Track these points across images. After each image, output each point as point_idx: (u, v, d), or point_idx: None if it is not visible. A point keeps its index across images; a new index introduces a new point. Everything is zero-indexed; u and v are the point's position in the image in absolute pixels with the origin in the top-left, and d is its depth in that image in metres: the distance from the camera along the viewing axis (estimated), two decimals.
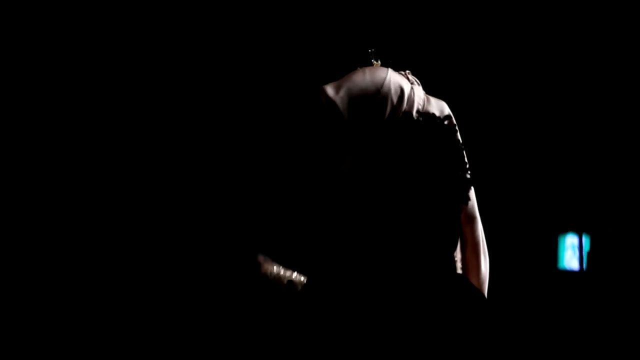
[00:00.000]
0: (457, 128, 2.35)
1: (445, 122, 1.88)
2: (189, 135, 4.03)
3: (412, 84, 2.35)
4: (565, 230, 4.33)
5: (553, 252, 4.32)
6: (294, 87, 4.01)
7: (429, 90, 2.41)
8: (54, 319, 3.78)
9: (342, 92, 2.27)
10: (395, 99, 2.27)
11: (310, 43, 4.04)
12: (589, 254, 4.23)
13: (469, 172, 2.09)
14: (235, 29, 4.04)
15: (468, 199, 1.85)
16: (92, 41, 3.91)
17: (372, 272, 1.76)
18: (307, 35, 4.04)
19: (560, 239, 4.33)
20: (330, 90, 2.29)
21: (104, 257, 3.88)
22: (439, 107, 2.34)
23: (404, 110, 2.28)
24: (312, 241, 2.51)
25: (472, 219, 2.40)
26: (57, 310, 3.79)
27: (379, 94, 2.26)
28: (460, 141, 2.28)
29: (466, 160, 2.34)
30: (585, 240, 4.25)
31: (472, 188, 2.34)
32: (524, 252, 4.29)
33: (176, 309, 3.88)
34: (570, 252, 4.30)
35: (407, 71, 2.40)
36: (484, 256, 2.38)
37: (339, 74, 2.36)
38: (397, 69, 2.38)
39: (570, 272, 4.29)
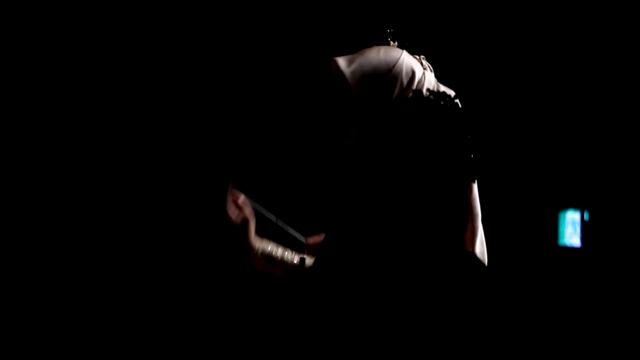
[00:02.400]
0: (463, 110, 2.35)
1: (454, 102, 1.89)
2: (190, 117, 4.03)
3: (424, 69, 2.36)
4: (566, 207, 4.34)
5: (554, 228, 4.33)
6: (308, 63, 4.01)
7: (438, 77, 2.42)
8: (54, 319, 3.78)
9: (353, 67, 2.27)
10: (405, 81, 2.27)
11: (331, 18, 4.04)
12: (588, 229, 4.24)
13: (476, 152, 2.09)
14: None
15: (476, 177, 1.85)
16: (92, 41, 3.90)
17: (380, 249, 1.76)
18: (327, 10, 4.04)
19: (561, 216, 4.33)
20: (342, 63, 2.29)
21: (103, 256, 3.88)
22: None
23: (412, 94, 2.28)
24: (319, 218, 2.51)
25: (475, 214, 2.40)
26: (57, 310, 3.79)
27: (389, 73, 2.26)
28: (469, 121, 2.29)
29: (473, 140, 2.34)
30: (586, 216, 4.26)
31: (476, 187, 2.34)
32: (525, 229, 4.29)
33: (176, 307, 3.89)
34: (571, 229, 4.30)
35: (422, 56, 2.40)
36: (482, 246, 2.38)
37: (356, 49, 2.37)
38: (413, 53, 2.39)
39: (571, 249, 4.30)
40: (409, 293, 1.72)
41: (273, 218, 2.54)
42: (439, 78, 2.38)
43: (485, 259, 2.34)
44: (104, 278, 3.85)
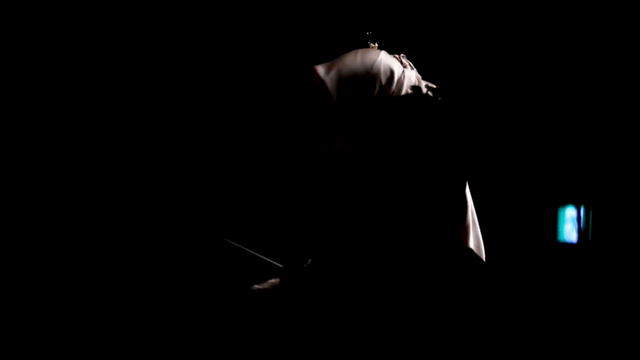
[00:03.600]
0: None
1: (438, 97, 1.88)
2: (183, 123, 4.03)
3: (404, 67, 2.37)
4: (565, 203, 4.33)
5: (553, 224, 4.32)
6: (293, 68, 4.02)
7: (423, 75, 2.43)
8: (54, 318, 3.78)
9: (332, 73, 2.31)
10: (384, 80, 2.30)
11: (311, 23, 4.04)
12: (588, 225, 4.23)
13: (469, 147, 2.09)
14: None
15: (473, 172, 1.85)
16: (92, 41, 3.91)
17: (378, 248, 1.76)
18: (308, 14, 4.04)
19: (560, 212, 4.33)
20: (321, 70, 2.33)
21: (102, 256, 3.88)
22: None
23: (393, 92, 2.30)
24: (316, 221, 2.52)
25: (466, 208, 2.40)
26: (56, 310, 3.79)
27: (367, 74, 2.29)
28: (457, 116, 2.28)
29: (466, 134, 2.34)
30: (585, 213, 4.26)
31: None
32: (523, 225, 4.29)
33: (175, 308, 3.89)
34: (570, 225, 4.29)
35: (402, 55, 2.42)
36: (474, 228, 2.37)
37: (338, 54, 2.39)
38: (393, 52, 2.40)
39: (570, 245, 4.29)
40: (407, 291, 1.72)
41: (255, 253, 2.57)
42: (439, 75, 2.40)
43: (482, 253, 2.34)
44: (102, 278, 3.86)
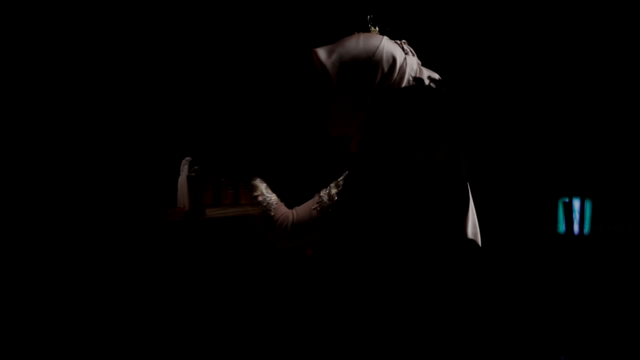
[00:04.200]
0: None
1: (440, 86, 1.88)
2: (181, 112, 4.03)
3: (406, 53, 2.36)
4: (565, 194, 4.34)
5: (553, 216, 4.33)
6: (292, 50, 4.01)
7: (424, 61, 2.42)
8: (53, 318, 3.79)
9: (333, 57, 2.30)
10: (386, 68, 2.28)
11: (309, 6, 4.03)
12: (586, 217, 4.24)
13: (471, 138, 2.08)
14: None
15: (475, 164, 1.85)
16: (92, 41, 3.91)
17: (382, 241, 1.76)
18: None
19: (560, 203, 4.33)
20: (322, 54, 2.31)
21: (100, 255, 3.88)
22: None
23: (395, 80, 2.28)
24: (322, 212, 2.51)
25: None
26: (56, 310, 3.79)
27: (370, 61, 2.27)
28: (458, 104, 2.28)
29: (467, 125, 2.33)
30: (582, 203, 4.27)
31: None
32: (524, 216, 4.30)
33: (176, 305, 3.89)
34: (570, 216, 4.31)
35: (404, 41, 2.40)
36: (472, 216, 2.37)
37: (338, 36, 2.38)
38: (395, 38, 2.39)
39: (570, 236, 4.30)
40: (411, 283, 1.72)
41: None
42: (435, 63, 2.39)
43: (478, 240, 2.34)
44: (101, 278, 3.86)
